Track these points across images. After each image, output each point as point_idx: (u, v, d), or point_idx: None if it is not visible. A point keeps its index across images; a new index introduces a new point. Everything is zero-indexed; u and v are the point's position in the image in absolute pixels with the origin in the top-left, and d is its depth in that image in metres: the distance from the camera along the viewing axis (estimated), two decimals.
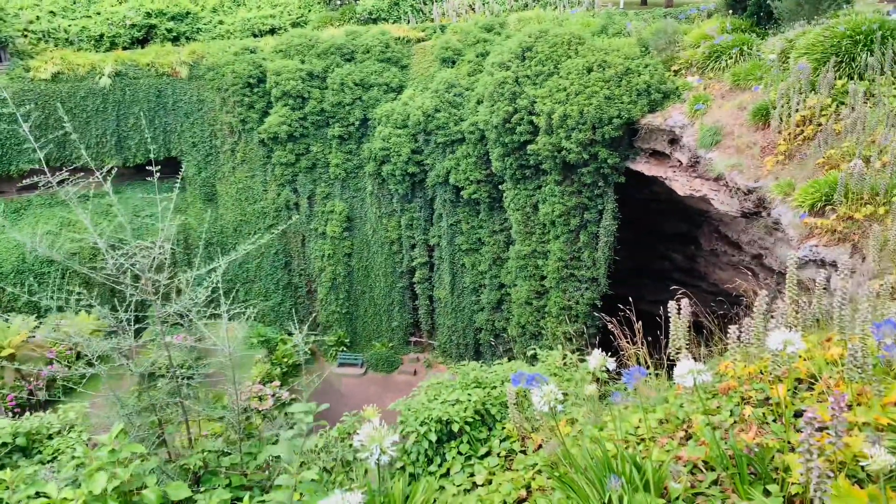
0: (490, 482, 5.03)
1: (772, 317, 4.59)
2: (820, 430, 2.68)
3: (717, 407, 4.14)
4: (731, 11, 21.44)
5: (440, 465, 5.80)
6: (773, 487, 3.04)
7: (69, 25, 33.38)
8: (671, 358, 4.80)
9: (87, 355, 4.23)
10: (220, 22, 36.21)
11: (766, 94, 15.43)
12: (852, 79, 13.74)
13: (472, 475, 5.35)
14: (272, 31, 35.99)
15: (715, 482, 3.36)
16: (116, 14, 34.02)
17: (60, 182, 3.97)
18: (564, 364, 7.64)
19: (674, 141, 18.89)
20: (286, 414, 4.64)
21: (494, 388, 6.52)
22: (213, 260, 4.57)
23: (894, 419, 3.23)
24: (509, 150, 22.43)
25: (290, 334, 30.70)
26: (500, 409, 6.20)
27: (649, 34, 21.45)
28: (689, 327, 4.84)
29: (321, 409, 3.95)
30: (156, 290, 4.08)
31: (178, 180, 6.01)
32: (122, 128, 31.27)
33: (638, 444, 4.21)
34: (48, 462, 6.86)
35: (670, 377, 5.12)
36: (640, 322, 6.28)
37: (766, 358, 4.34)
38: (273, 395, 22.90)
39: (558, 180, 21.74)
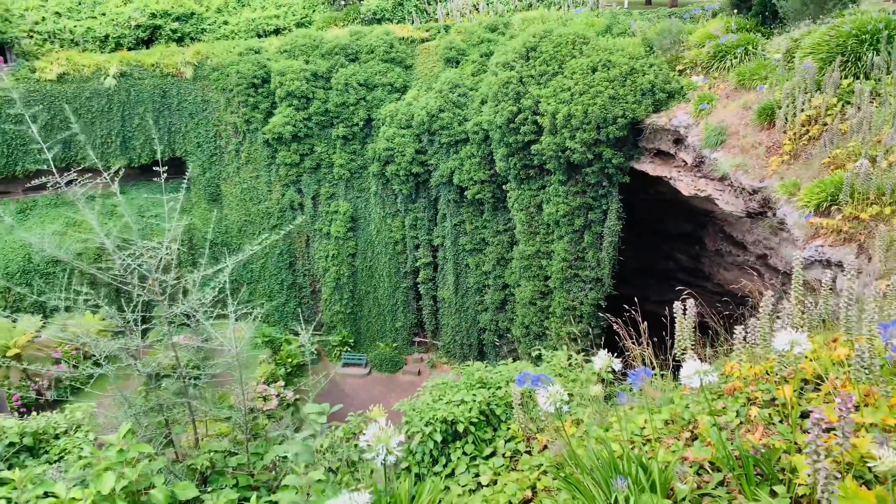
0: (495, 483, 5.03)
1: (777, 317, 4.58)
2: (827, 431, 2.68)
3: (723, 408, 4.13)
4: (735, 11, 21.40)
5: (445, 466, 5.80)
6: (779, 488, 3.03)
7: (74, 26, 33.49)
8: (676, 358, 4.80)
9: (93, 355, 4.25)
10: (225, 22, 36.29)
11: (772, 94, 15.39)
12: (858, 78, 13.70)
13: (477, 475, 5.35)
14: (276, 32, 36.05)
15: (721, 483, 3.36)
16: (121, 15, 34.12)
17: (69, 183, 3.99)
18: (569, 365, 7.64)
19: (678, 141, 18.85)
20: (293, 414, 4.66)
21: (499, 388, 6.52)
22: (218, 260, 4.58)
23: None
24: (513, 150, 22.42)
25: (294, 334, 30.74)
26: (505, 409, 6.20)
27: (654, 34, 21.42)
28: (695, 328, 4.83)
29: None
30: (163, 290, 4.10)
31: (186, 181, 6.03)
32: (126, 128, 31.38)
33: (644, 444, 4.20)
34: (55, 462, 6.89)
35: (676, 378, 5.11)
36: (645, 322, 6.27)
37: (772, 359, 4.33)
38: (277, 396, 22.94)
39: (562, 180, 21.73)
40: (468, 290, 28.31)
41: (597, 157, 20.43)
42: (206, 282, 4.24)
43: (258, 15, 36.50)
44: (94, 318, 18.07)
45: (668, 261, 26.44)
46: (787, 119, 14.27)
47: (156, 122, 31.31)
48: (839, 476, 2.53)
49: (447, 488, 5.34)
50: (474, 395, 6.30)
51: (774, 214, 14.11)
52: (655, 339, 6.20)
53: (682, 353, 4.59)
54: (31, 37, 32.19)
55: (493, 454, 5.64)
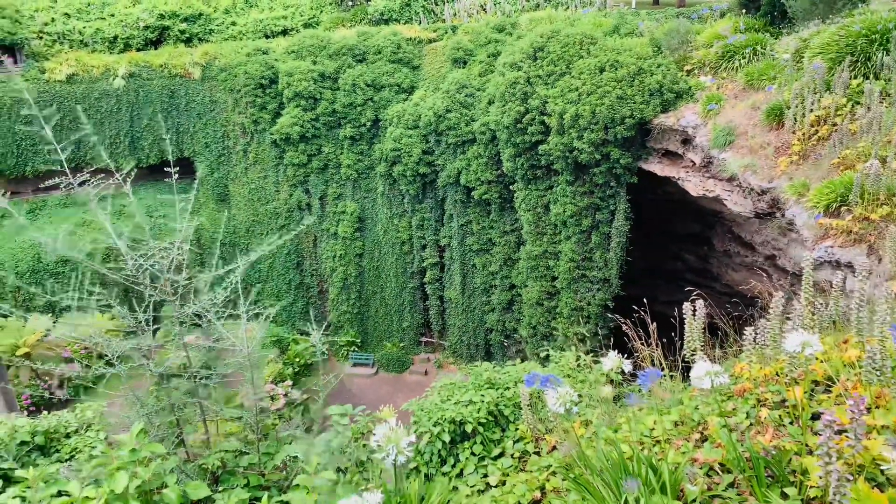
0: (504, 483, 5.04)
1: (788, 318, 4.57)
2: (839, 433, 2.67)
3: (733, 409, 4.12)
4: (744, 11, 21.30)
5: (453, 466, 5.81)
6: (790, 491, 3.03)
7: (83, 27, 33.70)
8: (686, 359, 4.79)
9: (105, 355, 4.29)
10: (233, 23, 36.43)
11: (780, 94, 15.32)
12: (868, 78, 13.62)
13: (485, 476, 5.35)
14: (284, 32, 36.15)
15: (732, 485, 3.36)
16: (130, 16, 34.31)
17: (82, 184, 4.03)
18: (578, 365, 7.63)
19: (687, 141, 18.80)
20: (303, 414, 4.68)
21: (507, 388, 6.53)
22: (226, 260, 4.60)
23: None
24: (520, 151, 22.41)
25: (302, 334, 30.84)
26: (513, 410, 6.20)
27: (662, 34, 21.36)
28: (704, 329, 4.82)
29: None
30: (174, 290, 4.12)
31: (196, 181, 6.06)
32: (135, 129, 31.56)
33: (653, 446, 4.20)
34: (66, 460, 6.94)
35: (685, 379, 5.11)
36: (654, 324, 6.26)
37: (782, 360, 4.32)
38: (285, 395, 23.02)
39: (570, 180, 21.70)
40: (475, 291, 28.32)
41: (604, 157, 20.39)
42: (217, 282, 4.27)
43: (266, 16, 36.61)
44: (102, 318, 18.19)
45: (676, 261, 26.36)
46: (796, 119, 14.20)
47: (164, 123, 31.49)
48: (851, 478, 2.53)
49: (455, 488, 5.35)
50: (482, 395, 6.31)
51: (783, 215, 14.05)
52: (664, 340, 6.20)
53: (692, 355, 4.59)
54: (41, 38, 32.42)
55: (501, 455, 5.64)
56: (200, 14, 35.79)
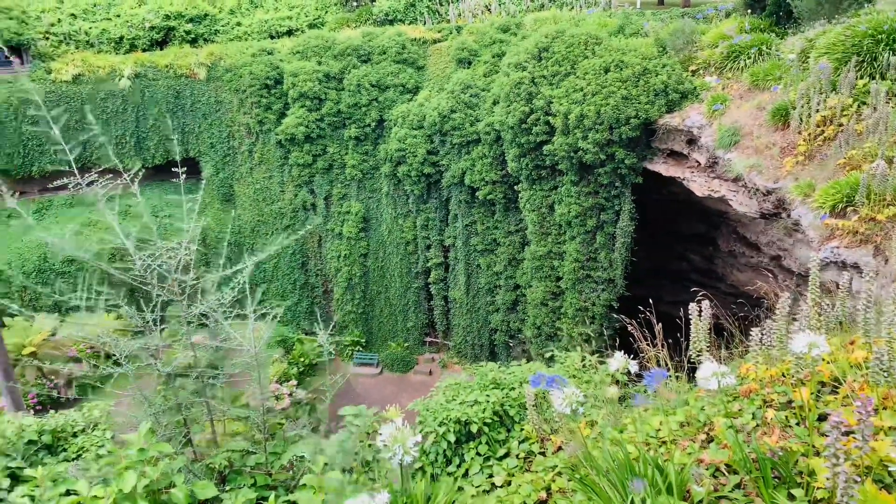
0: (509, 483, 5.05)
1: (794, 319, 4.56)
2: (846, 434, 2.67)
3: (739, 410, 4.12)
4: (749, 11, 21.27)
5: (459, 466, 5.82)
6: (797, 492, 3.03)
7: (90, 28, 33.84)
8: (691, 360, 4.78)
9: (111, 354, 4.31)
10: (238, 24, 36.52)
11: (786, 95, 15.29)
12: (874, 78, 13.58)
13: (491, 476, 5.36)
14: (289, 33, 36.23)
15: (738, 486, 3.35)
16: (136, 16, 34.44)
17: (90, 184, 4.05)
18: (583, 366, 7.63)
19: (692, 141, 18.77)
20: (309, 413, 4.70)
21: (513, 389, 6.52)
22: (232, 260, 4.62)
23: None
24: (525, 151, 22.40)
25: (306, 334, 30.89)
26: (518, 410, 6.20)
27: (667, 34, 21.33)
28: (710, 329, 4.81)
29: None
30: (182, 290, 4.14)
31: (203, 182, 6.09)
32: (141, 129, 31.68)
33: (659, 446, 4.20)
34: (73, 459, 6.96)
35: (691, 379, 5.10)
36: (659, 324, 6.26)
37: (789, 361, 4.31)
38: (290, 395, 23.04)
39: (575, 181, 21.68)
40: (479, 291, 28.32)
41: (609, 157, 20.37)
42: (224, 282, 4.29)
43: (271, 16, 36.70)
44: (108, 318, 18.26)
45: (681, 261, 26.31)
46: (801, 120, 14.17)
47: (170, 123, 31.60)
48: (859, 480, 2.53)
49: (461, 489, 5.35)
50: (488, 395, 6.31)
51: (789, 215, 14.01)
52: (670, 341, 6.19)
53: (698, 355, 4.58)
54: (47, 38, 32.57)
55: (506, 455, 5.65)
56: (206, 15, 35.90)
